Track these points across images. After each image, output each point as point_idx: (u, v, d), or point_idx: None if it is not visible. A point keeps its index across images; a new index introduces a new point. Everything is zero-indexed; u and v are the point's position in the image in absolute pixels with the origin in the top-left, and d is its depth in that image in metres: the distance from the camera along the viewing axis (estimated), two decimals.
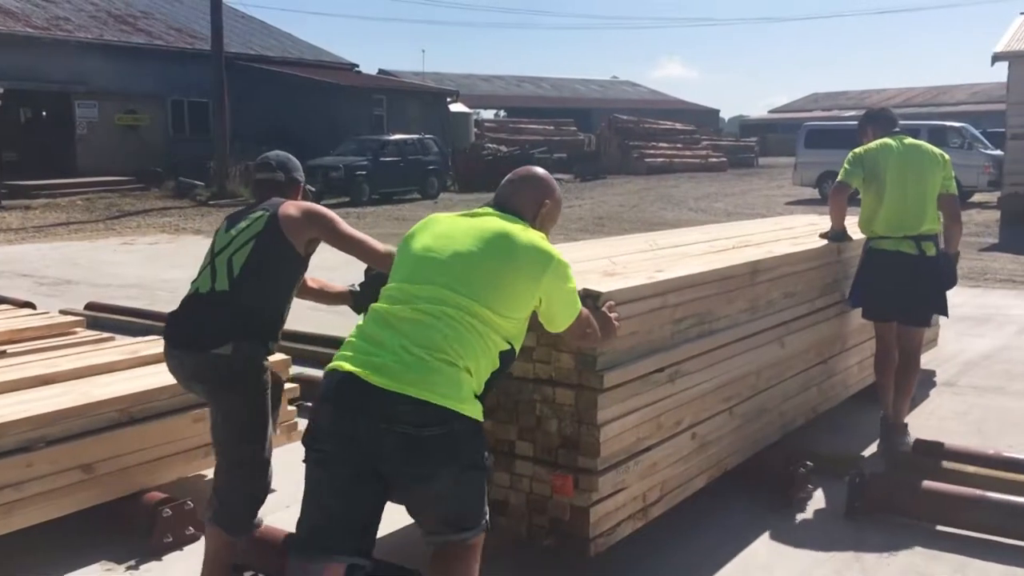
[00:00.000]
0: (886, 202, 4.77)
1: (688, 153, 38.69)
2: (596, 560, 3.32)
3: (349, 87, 30.00)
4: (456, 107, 34.03)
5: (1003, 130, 17.99)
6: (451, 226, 2.73)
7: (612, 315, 3.03)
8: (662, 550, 3.75)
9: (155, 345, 4.92)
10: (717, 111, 62.97)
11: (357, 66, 34.95)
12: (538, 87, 55.68)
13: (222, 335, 2.99)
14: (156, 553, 3.70)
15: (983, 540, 3.78)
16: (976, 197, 21.85)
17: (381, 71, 42.77)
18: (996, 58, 17.15)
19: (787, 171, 27.66)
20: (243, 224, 3.17)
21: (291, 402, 4.60)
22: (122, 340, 5.25)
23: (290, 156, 3.44)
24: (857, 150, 4.96)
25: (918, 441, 4.61)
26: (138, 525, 3.77)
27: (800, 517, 4.07)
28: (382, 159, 23.87)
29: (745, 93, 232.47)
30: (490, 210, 2.79)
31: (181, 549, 3.75)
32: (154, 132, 27.58)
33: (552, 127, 38.40)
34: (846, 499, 4.03)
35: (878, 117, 5.20)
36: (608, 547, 3.32)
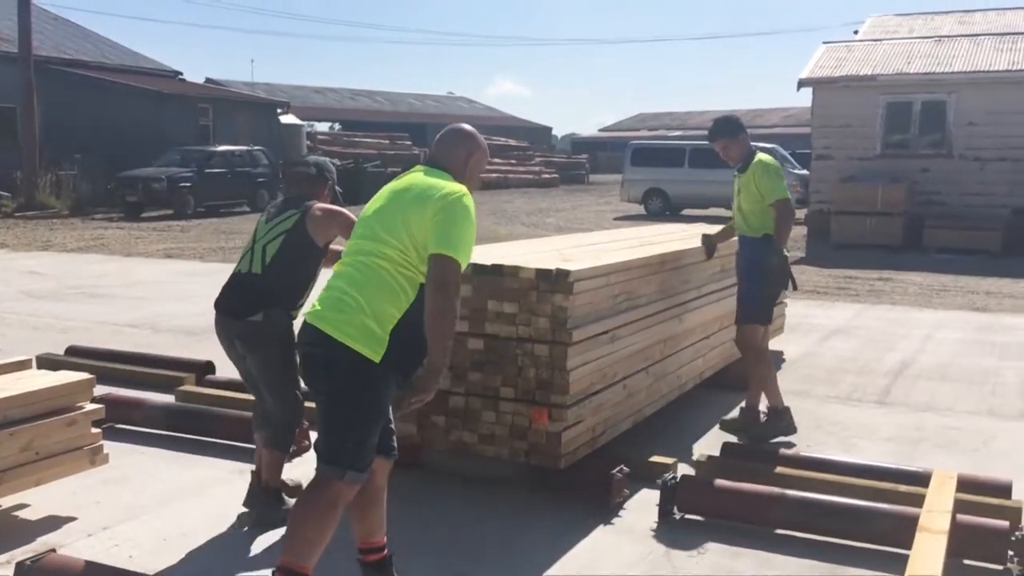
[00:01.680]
0: None
1: (522, 169, 39.36)
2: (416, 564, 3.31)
3: (172, 95, 28.77)
4: (287, 119, 33.27)
5: (809, 151, 19.32)
6: (381, 192, 3.23)
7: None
8: (483, 557, 3.78)
9: None
10: (550, 128, 64.45)
11: (181, 74, 33.62)
12: (373, 100, 55.28)
13: (255, 306, 3.82)
14: None
15: (785, 536, 4.00)
16: None
17: (208, 80, 41.31)
18: (802, 84, 18.40)
19: (616, 188, 28.60)
20: (278, 219, 3.95)
21: (96, 424, 4.34)
22: None
23: (327, 160, 4.35)
24: (775, 166, 5.22)
25: (726, 444, 4.85)
26: None
27: (617, 520, 4.18)
28: (208, 171, 23.07)
29: (577, 111, 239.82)
30: (418, 167, 3.23)
31: None
32: None
33: (387, 141, 38.16)
34: (659, 502, 4.17)
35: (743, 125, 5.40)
36: (570, 462, 4.25)
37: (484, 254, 4.57)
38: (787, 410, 5.38)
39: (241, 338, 3.91)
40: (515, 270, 4.19)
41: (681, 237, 6.55)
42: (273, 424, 4.01)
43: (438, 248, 2.93)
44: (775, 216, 5.18)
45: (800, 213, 21.97)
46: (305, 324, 3.05)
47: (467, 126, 3.37)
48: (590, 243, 5.92)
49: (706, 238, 5.76)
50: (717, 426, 5.53)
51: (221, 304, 3.99)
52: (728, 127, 5.35)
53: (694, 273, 5.81)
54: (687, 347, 5.73)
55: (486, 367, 4.27)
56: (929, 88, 17.48)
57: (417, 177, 3.17)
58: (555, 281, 4.10)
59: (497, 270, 4.22)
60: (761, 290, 5.26)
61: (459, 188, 3.09)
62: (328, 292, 3.06)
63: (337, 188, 4.19)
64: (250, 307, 3.84)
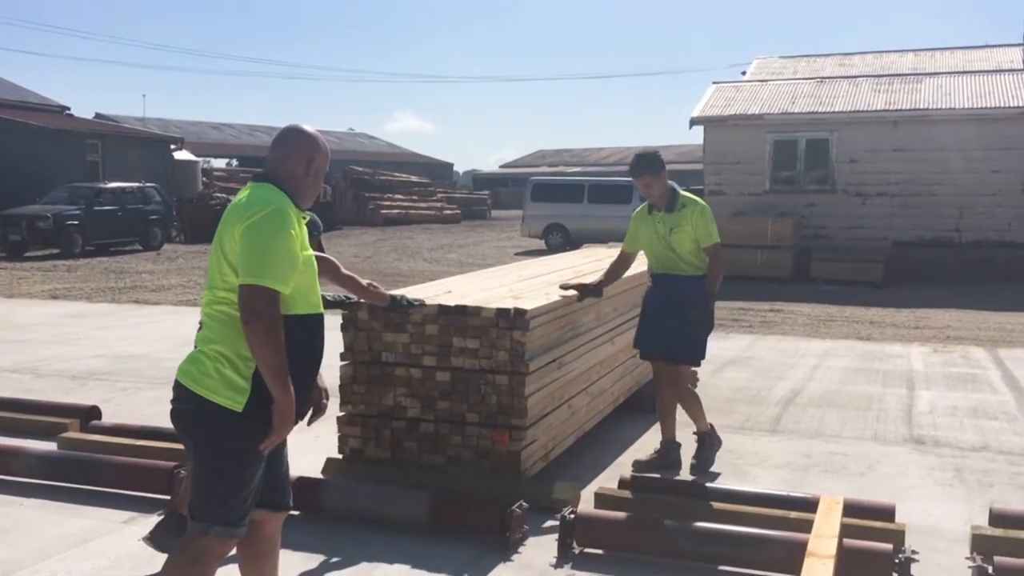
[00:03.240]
0: None
1: (423, 205, 39.37)
2: None
3: (59, 131, 27.86)
4: (182, 155, 32.60)
5: (702, 187, 19.90)
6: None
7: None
8: None
9: None
10: (451, 164, 64.72)
11: (68, 109, 32.62)
12: (272, 136, 54.51)
13: None
14: None
15: (683, 565, 4.03)
16: None
17: (98, 115, 40.16)
18: (693, 122, 18.99)
19: (517, 223, 28.79)
20: None
21: None
22: None
23: (314, 216, 4.06)
24: (709, 210, 5.22)
25: (622, 478, 4.90)
26: None
27: (516, 557, 4.16)
28: (97, 208, 22.34)
29: (478, 147, 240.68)
30: (249, 184, 2.94)
31: None
32: None
33: None
34: (558, 536, 4.18)
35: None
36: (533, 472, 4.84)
37: (446, 295, 5.08)
38: (678, 445, 5.53)
39: None
40: (477, 310, 4.69)
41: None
42: None
43: (242, 277, 2.72)
44: (713, 260, 5.22)
45: None
46: (175, 381, 2.94)
47: (305, 126, 3.05)
48: (531, 276, 6.37)
49: (584, 288, 5.37)
50: (618, 458, 5.59)
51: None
52: (652, 163, 5.18)
53: (623, 300, 6.47)
54: (618, 366, 6.41)
55: (453, 396, 4.77)
56: (813, 127, 18.26)
57: (238, 198, 2.90)
58: (513, 319, 4.61)
59: (461, 310, 4.71)
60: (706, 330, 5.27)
61: (267, 203, 2.78)
62: (194, 349, 2.95)
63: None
64: None
